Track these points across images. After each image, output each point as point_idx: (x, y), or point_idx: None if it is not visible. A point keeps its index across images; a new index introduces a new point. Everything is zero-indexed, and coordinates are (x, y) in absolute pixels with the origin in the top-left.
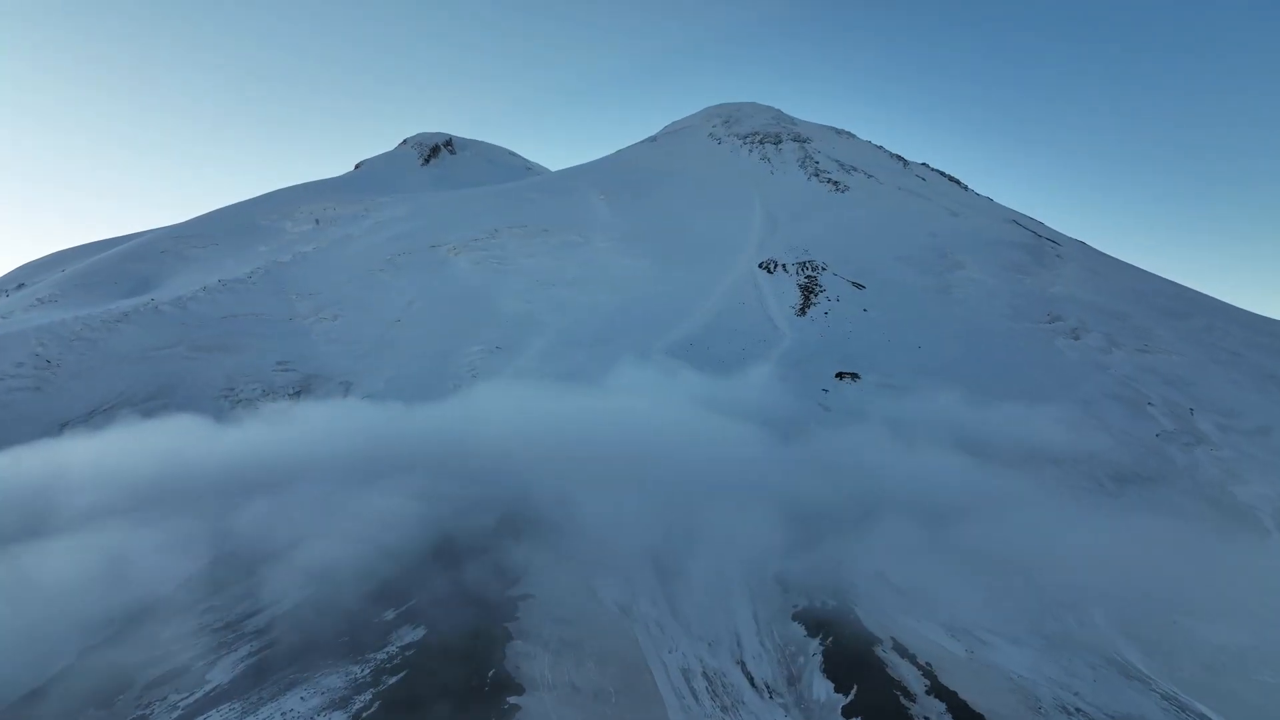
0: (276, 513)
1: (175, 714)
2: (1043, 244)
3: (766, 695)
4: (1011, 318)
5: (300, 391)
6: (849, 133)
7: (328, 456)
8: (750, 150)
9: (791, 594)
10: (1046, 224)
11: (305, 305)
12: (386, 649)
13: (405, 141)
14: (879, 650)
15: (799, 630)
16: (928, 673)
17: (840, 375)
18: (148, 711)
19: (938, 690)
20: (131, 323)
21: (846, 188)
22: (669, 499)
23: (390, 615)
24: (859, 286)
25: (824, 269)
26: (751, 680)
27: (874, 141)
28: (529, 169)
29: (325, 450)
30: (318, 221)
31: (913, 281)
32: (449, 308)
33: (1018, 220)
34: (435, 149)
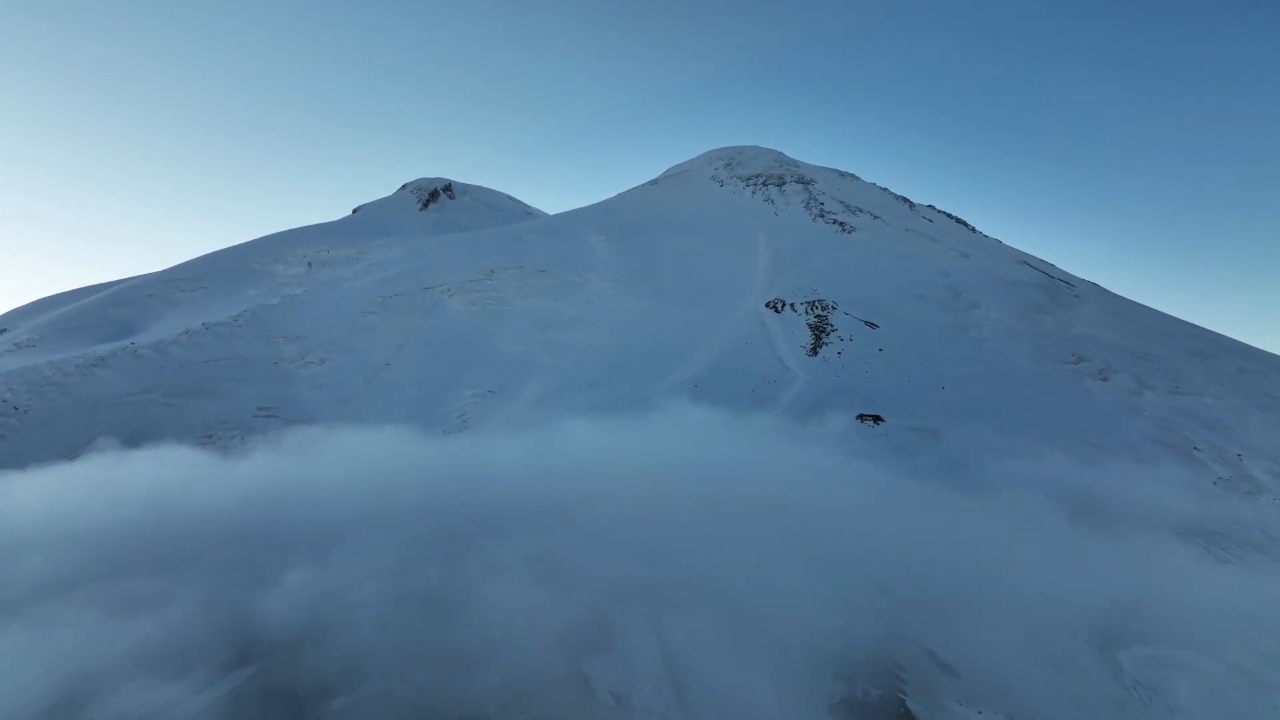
0: (332, 599)
1: None
2: (1056, 284)
3: None
4: (1035, 358)
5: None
6: (853, 175)
7: (377, 502)
8: (753, 192)
9: (825, 679)
10: (1056, 265)
11: (291, 349)
12: None
13: (404, 186)
14: None
15: None
16: None
17: (862, 417)
18: None
19: None
20: (107, 367)
21: (853, 228)
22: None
23: (340, 704)
24: (872, 326)
25: (834, 308)
26: None
27: (878, 184)
28: (529, 214)
29: (371, 492)
30: (310, 264)
31: (928, 321)
32: (441, 351)
33: (1028, 261)
34: (434, 193)
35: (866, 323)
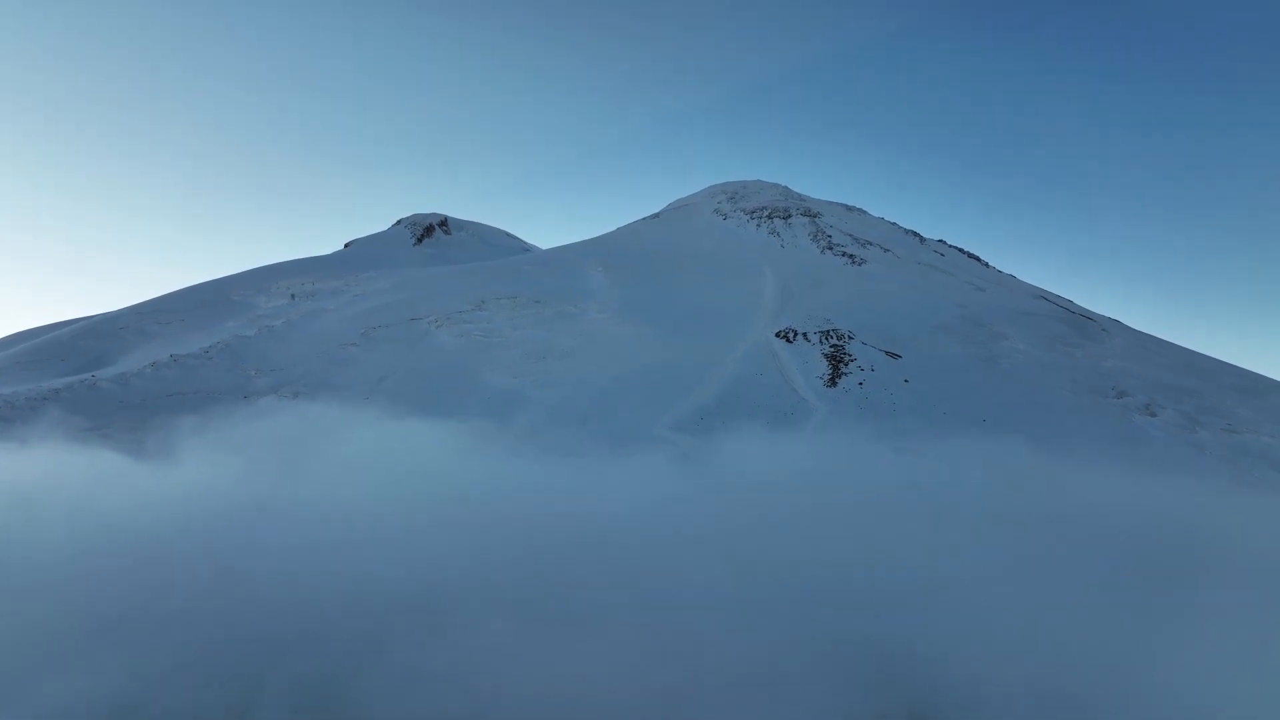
0: None
1: None
2: (1078, 318)
3: None
4: (1074, 392)
5: None
6: (860, 209)
7: (465, 564)
8: (758, 225)
9: None
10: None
11: (263, 382)
12: None
13: (399, 222)
14: None
15: None
16: None
17: (898, 451)
18: None
19: None
20: (60, 401)
21: (863, 261)
22: None
23: None
24: (894, 356)
25: (851, 338)
26: None
27: (886, 218)
28: (526, 250)
29: (433, 540)
30: (294, 296)
31: (953, 352)
32: (425, 384)
33: (1046, 296)
34: (429, 228)
35: (888, 353)
